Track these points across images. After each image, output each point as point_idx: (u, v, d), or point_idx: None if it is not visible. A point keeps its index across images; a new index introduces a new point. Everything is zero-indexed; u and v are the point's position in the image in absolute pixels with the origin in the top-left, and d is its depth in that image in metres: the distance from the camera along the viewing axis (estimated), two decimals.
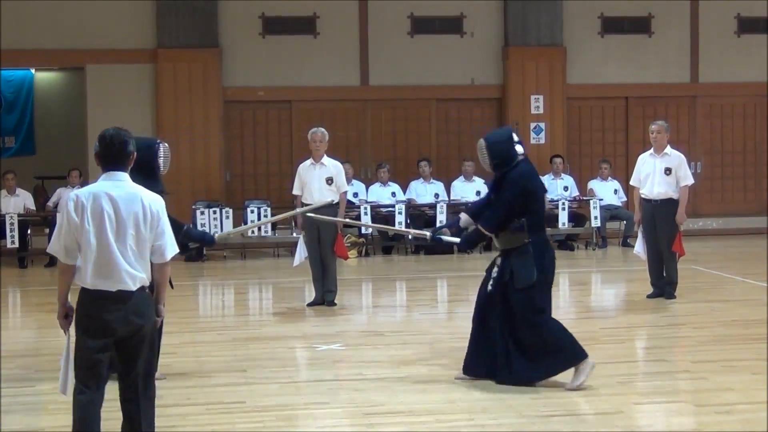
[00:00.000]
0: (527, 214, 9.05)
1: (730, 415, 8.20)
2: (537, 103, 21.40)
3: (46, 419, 8.53)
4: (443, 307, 14.69)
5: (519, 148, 9.31)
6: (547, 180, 20.36)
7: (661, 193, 13.53)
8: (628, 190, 21.12)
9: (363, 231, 19.21)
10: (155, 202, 6.63)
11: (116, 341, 6.50)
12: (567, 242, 20.04)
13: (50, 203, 19.31)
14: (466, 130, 21.58)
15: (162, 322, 9.95)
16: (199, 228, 18.01)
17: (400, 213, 19.05)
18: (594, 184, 20.70)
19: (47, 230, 18.79)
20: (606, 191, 20.52)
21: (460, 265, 18.40)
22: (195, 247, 11.29)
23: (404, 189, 20.13)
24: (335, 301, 13.61)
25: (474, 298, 14.92)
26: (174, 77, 20.29)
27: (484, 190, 19.98)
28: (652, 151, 13.84)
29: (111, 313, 6.44)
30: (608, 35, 21.77)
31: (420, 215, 19.80)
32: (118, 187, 6.56)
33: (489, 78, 21.50)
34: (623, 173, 21.63)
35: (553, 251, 9.33)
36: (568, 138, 21.64)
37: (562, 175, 20.54)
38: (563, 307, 14.65)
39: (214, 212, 18.83)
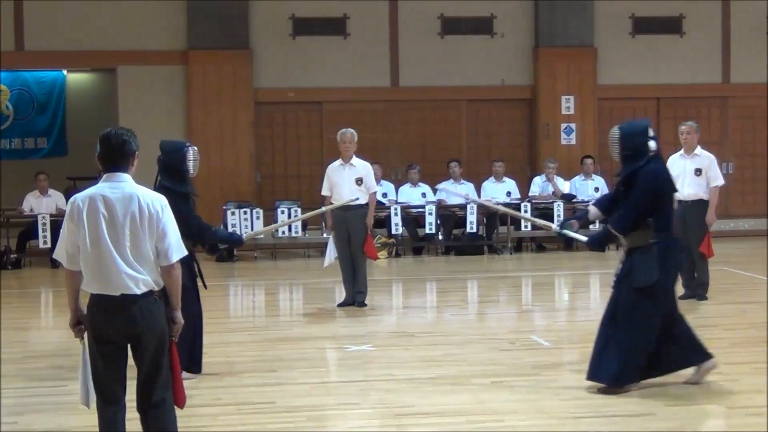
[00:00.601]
0: (655, 214, 8.84)
1: (761, 417, 8.14)
2: (567, 104, 21.35)
3: (75, 419, 8.55)
4: (473, 308, 14.67)
5: (652, 144, 8.94)
6: (577, 181, 20.35)
7: (691, 193, 13.43)
8: None
9: (393, 231, 19.17)
10: (155, 201, 6.38)
11: (131, 347, 6.35)
12: None
13: None
14: (497, 131, 21.58)
15: (201, 323, 10.06)
16: (230, 229, 18.13)
17: (430, 214, 19.04)
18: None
19: None
20: None
21: (489, 266, 18.38)
22: (224, 247, 11.28)
23: (434, 190, 20.11)
24: (366, 302, 13.61)
25: (504, 298, 14.95)
26: (204, 79, 20.35)
27: (515, 190, 20.07)
28: (682, 152, 13.78)
29: (115, 318, 6.25)
30: (639, 36, 21.70)
31: (450, 216, 19.78)
32: (116, 188, 6.33)
33: (519, 79, 21.47)
34: None
35: (681, 254, 9.14)
36: (599, 139, 21.55)
37: (593, 175, 20.48)
38: (594, 309, 14.60)
39: (245, 213, 18.86)
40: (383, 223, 19.04)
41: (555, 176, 20.22)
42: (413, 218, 19.68)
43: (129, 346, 6.34)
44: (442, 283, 16.25)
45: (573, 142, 21.33)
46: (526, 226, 19.45)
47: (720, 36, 21.89)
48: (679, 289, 13.67)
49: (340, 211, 13.36)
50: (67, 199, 19.54)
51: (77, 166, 21.94)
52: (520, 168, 21.30)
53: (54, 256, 6.58)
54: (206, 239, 10.33)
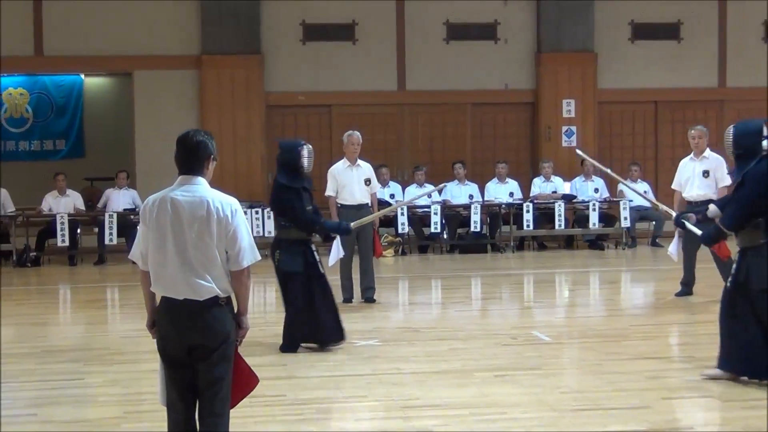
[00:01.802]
0: (767, 214, 8.67)
1: (756, 410, 8.15)
2: (569, 108, 21.36)
3: (94, 411, 8.59)
4: (477, 304, 14.67)
5: (765, 144, 8.76)
6: (578, 181, 20.36)
7: (700, 195, 13.40)
8: (658, 192, 21.19)
9: (399, 230, 19.19)
10: (225, 205, 5.98)
11: (192, 352, 5.98)
12: (597, 242, 19.99)
13: (99, 204, 19.41)
14: (500, 134, 21.61)
15: (315, 301, 10.34)
16: None
17: (435, 213, 19.04)
18: (624, 186, 20.60)
19: (96, 229, 18.94)
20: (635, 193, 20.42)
21: (493, 264, 18.39)
22: (333, 237, 11.61)
23: (440, 191, 20.12)
24: (375, 298, 13.64)
25: (507, 295, 14.96)
26: (218, 83, 20.38)
27: (518, 191, 20.09)
28: (692, 155, 13.79)
29: (177, 322, 5.96)
30: (638, 41, 21.71)
31: (455, 215, 19.79)
32: (188, 191, 6.00)
33: (522, 83, 21.48)
34: (652, 176, 21.62)
35: None
36: (599, 141, 21.58)
37: (593, 177, 20.48)
38: (593, 305, 14.64)
39: (257, 212, 18.88)
40: (390, 222, 19.05)
41: (553, 175, 20.26)
42: (419, 218, 19.70)
43: (187, 348, 5.98)
44: (446, 280, 16.27)
45: (573, 144, 21.31)
46: (528, 226, 19.47)
47: (717, 41, 21.89)
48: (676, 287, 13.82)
49: (352, 210, 13.44)
50: (85, 199, 19.75)
51: (94, 167, 22.00)
52: (523, 169, 21.31)
53: (130, 256, 6.33)
54: (316, 230, 10.77)
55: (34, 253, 18.69)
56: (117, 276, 17.42)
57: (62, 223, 18.35)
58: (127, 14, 20.26)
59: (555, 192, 20.00)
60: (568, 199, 19.77)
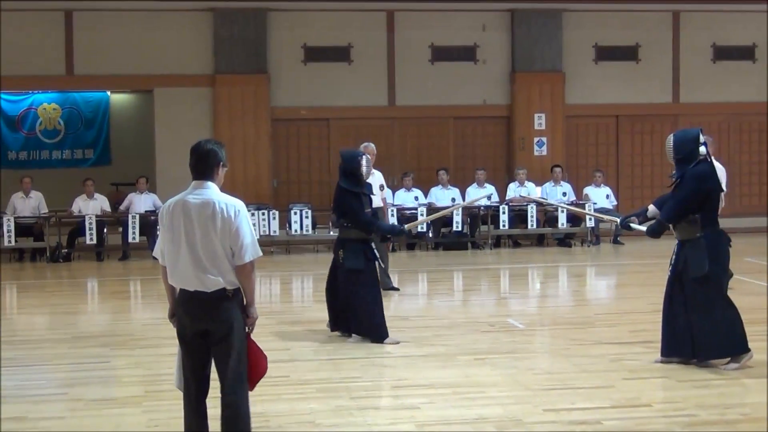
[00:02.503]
0: (702, 210, 8.75)
1: (707, 389, 8.16)
2: (540, 121, 21.34)
3: (119, 390, 8.57)
4: (459, 295, 14.66)
5: (702, 150, 8.85)
6: (548, 186, 20.34)
7: None
8: (620, 195, 21.20)
9: None
10: (231, 206, 6.00)
11: (204, 338, 6.02)
12: (565, 240, 19.98)
13: (122, 207, 19.33)
14: (479, 144, 21.59)
15: (378, 298, 10.26)
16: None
17: (421, 215, 19.01)
18: (589, 190, 20.62)
19: (120, 229, 18.91)
20: (599, 196, 20.45)
21: (473, 259, 18.38)
22: (389, 238, 11.54)
23: (426, 194, 20.12)
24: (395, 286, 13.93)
25: (485, 287, 14.96)
26: (229, 98, 20.35)
27: (495, 195, 20.07)
28: None
29: (189, 311, 6.02)
30: (601, 62, 21.70)
31: (439, 217, 19.75)
32: (197, 194, 6.03)
33: (499, 99, 21.46)
34: (614, 181, 21.63)
35: (728, 245, 8.97)
36: (566, 150, 21.57)
37: (561, 182, 20.47)
38: (562, 296, 14.64)
39: (263, 214, 18.88)
40: None
41: (526, 181, 20.25)
42: (407, 219, 19.65)
43: (197, 336, 6.04)
44: (432, 274, 16.26)
45: (544, 153, 21.32)
46: (504, 226, 19.47)
47: (671, 62, 21.89)
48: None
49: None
50: (111, 202, 19.75)
51: (119, 174, 21.93)
52: (499, 176, 21.28)
53: (153, 254, 6.36)
54: (373, 231, 10.63)
55: (66, 250, 18.66)
56: (139, 270, 17.39)
57: (90, 224, 18.31)
58: (149, 38, 20.23)
59: (528, 195, 19.99)
60: (539, 202, 19.74)
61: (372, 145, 13.81)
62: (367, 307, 10.26)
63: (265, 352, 6.30)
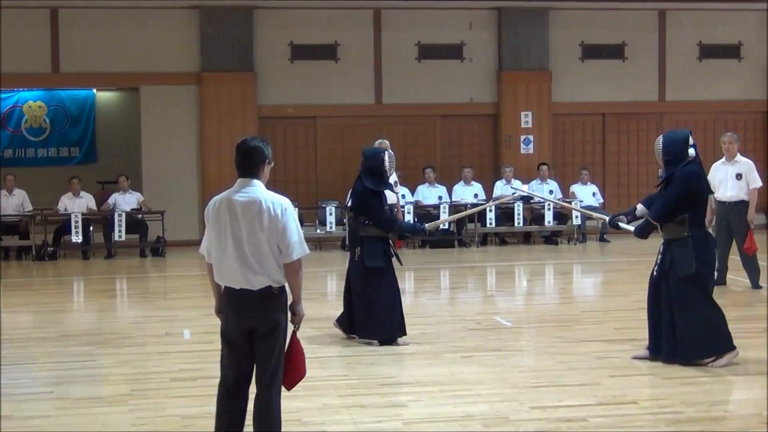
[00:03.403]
0: (690, 210, 8.76)
1: (692, 386, 8.19)
2: (526, 119, 21.37)
3: (106, 389, 8.56)
4: (446, 293, 14.68)
5: (691, 151, 8.86)
6: (534, 184, 20.36)
7: (733, 195, 13.22)
8: (606, 192, 21.25)
9: None
10: (277, 204, 5.97)
11: (250, 334, 6.03)
12: (552, 238, 20.02)
13: (103, 207, 19.22)
14: (466, 142, 21.62)
15: (399, 295, 10.19)
16: None
17: (408, 213, 19.02)
18: (575, 188, 20.67)
19: (104, 227, 18.85)
20: (585, 194, 20.49)
21: (459, 257, 18.40)
22: (407, 236, 11.38)
23: (412, 192, 20.13)
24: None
25: (472, 285, 14.96)
26: (216, 97, 20.32)
27: (481, 192, 20.12)
28: (724, 159, 13.46)
29: (234, 308, 6.01)
30: (588, 60, 21.74)
31: (426, 214, 19.77)
32: (243, 192, 6.01)
33: (485, 97, 21.48)
34: (600, 179, 21.68)
35: (714, 246, 9.05)
36: (553, 148, 21.61)
37: (548, 180, 20.51)
38: (548, 294, 14.67)
39: None
40: None
41: (513, 178, 20.29)
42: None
43: (242, 333, 6.03)
44: (419, 272, 16.26)
45: (531, 151, 21.35)
46: (490, 224, 19.50)
47: (657, 60, 21.94)
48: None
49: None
50: (97, 200, 19.74)
51: (105, 172, 21.88)
52: (486, 174, 21.31)
53: (199, 251, 6.29)
54: (393, 229, 10.59)
55: (51, 248, 18.61)
56: (125, 269, 17.36)
57: (76, 222, 18.27)
58: (135, 36, 20.19)
59: (514, 193, 20.00)
60: (525, 199, 19.78)
61: (386, 142, 13.88)
62: (386, 307, 10.10)
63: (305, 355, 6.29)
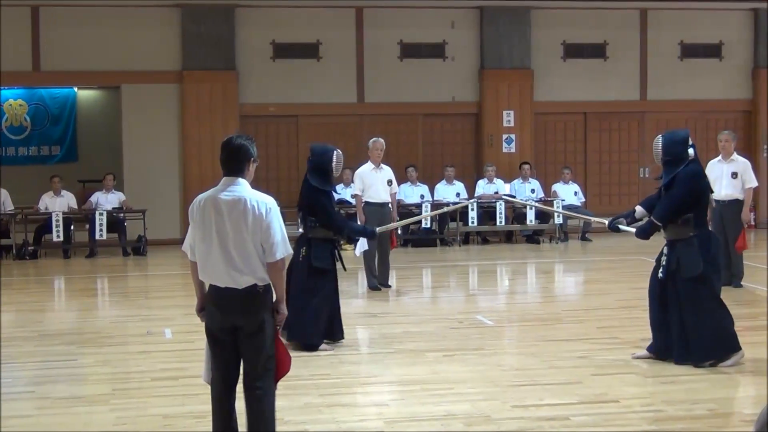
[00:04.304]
0: (695, 210, 8.73)
1: (674, 384, 8.21)
2: (508, 118, 21.40)
3: (87, 389, 8.52)
4: (428, 292, 14.68)
5: (691, 151, 8.81)
6: (516, 183, 20.40)
7: (728, 194, 13.19)
8: (587, 191, 21.30)
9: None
10: (262, 203, 5.97)
11: (235, 332, 5.99)
12: (534, 237, 20.05)
13: (85, 206, 19.15)
14: (448, 141, 21.63)
15: (338, 298, 10.07)
16: None
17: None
18: (557, 187, 20.71)
19: (87, 226, 18.80)
20: (567, 193, 20.53)
21: (442, 256, 18.40)
22: (357, 239, 11.20)
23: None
24: (390, 284, 14.03)
25: (454, 284, 14.96)
26: (197, 95, 20.28)
27: (464, 192, 20.13)
28: (720, 157, 13.43)
29: (220, 306, 5.97)
30: (570, 59, 21.79)
31: (408, 213, 19.76)
32: (229, 191, 6.01)
33: (467, 96, 21.50)
34: (582, 178, 21.72)
35: (718, 245, 9.04)
36: (535, 147, 21.65)
37: (530, 179, 20.54)
38: (530, 293, 14.69)
39: None
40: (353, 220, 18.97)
41: (495, 177, 20.32)
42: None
43: (227, 331, 6.00)
44: (401, 270, 16.26)
45: (513, 150, 21.38)
46: (472, 222, 19.53)
47: (638, 60, 22.01)
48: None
49: (376, 207, 13.59)
50: (78, 199, 19.64)
51: (86, 171, 21.83)
52: (468, 173, 21.33)
53: (182, 248, 6.29)
54: (344, 231, 10.45)
55: (32, 248, 18.54)
56: (106, 267, 17.31)
57: (57, 221, 18.20)
58: (116, 34, 20.11)
59: (497, 192, 20.04)
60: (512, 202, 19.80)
61: (380, 140, 13.91)
62: (317, 308, 9.80)
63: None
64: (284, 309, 6.15)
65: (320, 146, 10.41)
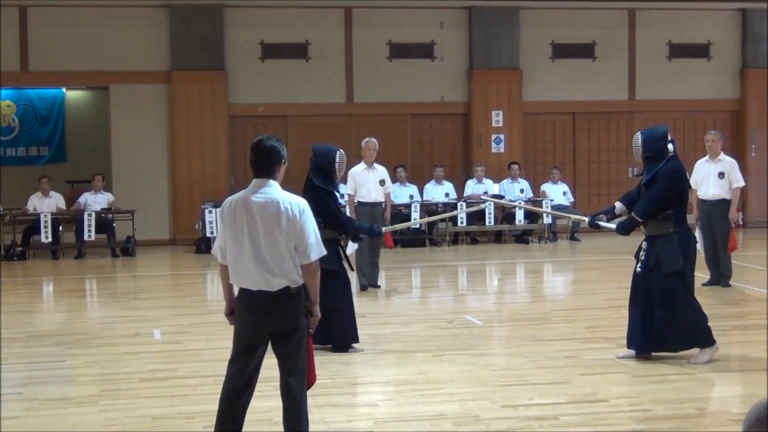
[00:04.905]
0: (675, 206, 8.77)
1: (663, 384, 8.22)
2: (497, 118, 21.42)
3: (76, 390, 8.50)
4: (417, 292, 14.68)
5: (670, 147, 8.89)
6: (505, 183, 20.42)
7: (715, 194, 13.22)
8: (576, 191, 21.33)
9: None
10: (294, 205, 5.91)
11: (272, 337, 5.95)
12: (523, 236, 20.07)
13: (73, 208, 19.11)
14: (437, 141, 21.64)
15: (352, 299, 9.93)
16: (207, 226, 18.27)
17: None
18: (546, 187, 20.74)
19: (75, 227, 18.77)
20: (556, 193, 20.57)
21: (431, 256, 18.41)
22: (362, 237, 11.07)
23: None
24: (379, 284, 14.01)
25: (443, 284, 14.97)
26: (186, 96, 20.26)
27: (452, 192, 20.15)
28: (707, 157, 13.45)
29: (253, 310, 5.90)
30: (558, 59, 21.82)
31: (397, 214, 19.76)
32: (260, 193, 5.95)
33: (456, 96, 21.52)
34: (571, 178, 21.76)
35: (695, 242, 9.11)
36: (523, 147, 21.67)
37: (519, 179, 20.56)
38: (519, 292, 14.71)
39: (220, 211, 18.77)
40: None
41: (484, 178, 20.34)
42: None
43: (261, 335, 5.96)
44: (390, 271, 16.26)
45: (502, 150, 21.41)
46: (461, 222, 19.55)
47: (627, 60, 22.05)
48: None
49: (368, 207, 13.57)
50: (66, 200, 19.59)
51: (75, 171, 21.79)
52: (457, 173, 21.35)
53: (212, 252, 6.23)
54: (350, 230, 10.34)
55: (20, 248, 18.51)
56: (94, 269, 17.28)
57: (45, 222, 18.17)
58: (105, 34, 20.09)
59: (486, 193, 20.06)
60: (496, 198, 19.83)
61: (373, 140, 13.90)
62: (341, 312, 9.74)
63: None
64: (318, 311, 6.09)
65: (323, 147, 10.35)
